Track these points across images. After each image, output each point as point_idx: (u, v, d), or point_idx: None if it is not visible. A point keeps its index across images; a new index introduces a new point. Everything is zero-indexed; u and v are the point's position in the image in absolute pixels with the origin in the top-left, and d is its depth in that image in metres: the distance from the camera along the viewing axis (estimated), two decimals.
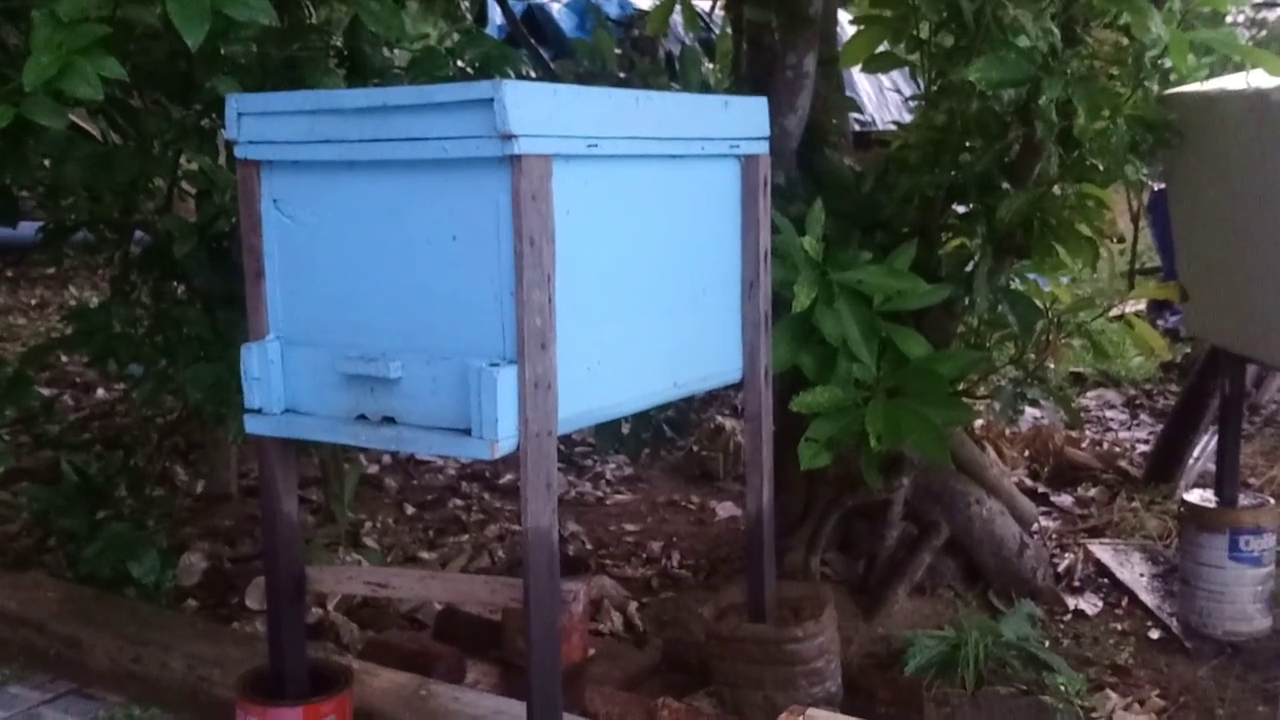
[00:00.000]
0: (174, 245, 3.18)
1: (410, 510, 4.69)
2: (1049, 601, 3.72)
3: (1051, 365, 3.61)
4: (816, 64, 3.43)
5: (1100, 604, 3.78)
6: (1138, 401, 6.37)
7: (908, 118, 3.84)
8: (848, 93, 4.01)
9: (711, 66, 4.51)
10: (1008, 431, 5.06)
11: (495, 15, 7.12)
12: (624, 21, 7.35)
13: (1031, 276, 3.54)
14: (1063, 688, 3.15)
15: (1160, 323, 6.76)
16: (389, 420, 2.14)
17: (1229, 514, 3.52)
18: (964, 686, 3.13)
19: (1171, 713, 3.14)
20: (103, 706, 2.95)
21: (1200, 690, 3.24)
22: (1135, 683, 3.30)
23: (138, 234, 3.60)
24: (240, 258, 2.33)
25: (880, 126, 7.40)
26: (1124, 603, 3.80)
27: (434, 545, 4.32)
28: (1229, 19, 3.81)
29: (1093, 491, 4.79)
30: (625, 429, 3.98)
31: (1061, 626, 3.61)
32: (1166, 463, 4.81)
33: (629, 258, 2.31)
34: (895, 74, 8.22)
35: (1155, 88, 3.21)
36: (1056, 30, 2.91)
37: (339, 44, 3.29)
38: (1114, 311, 3.69)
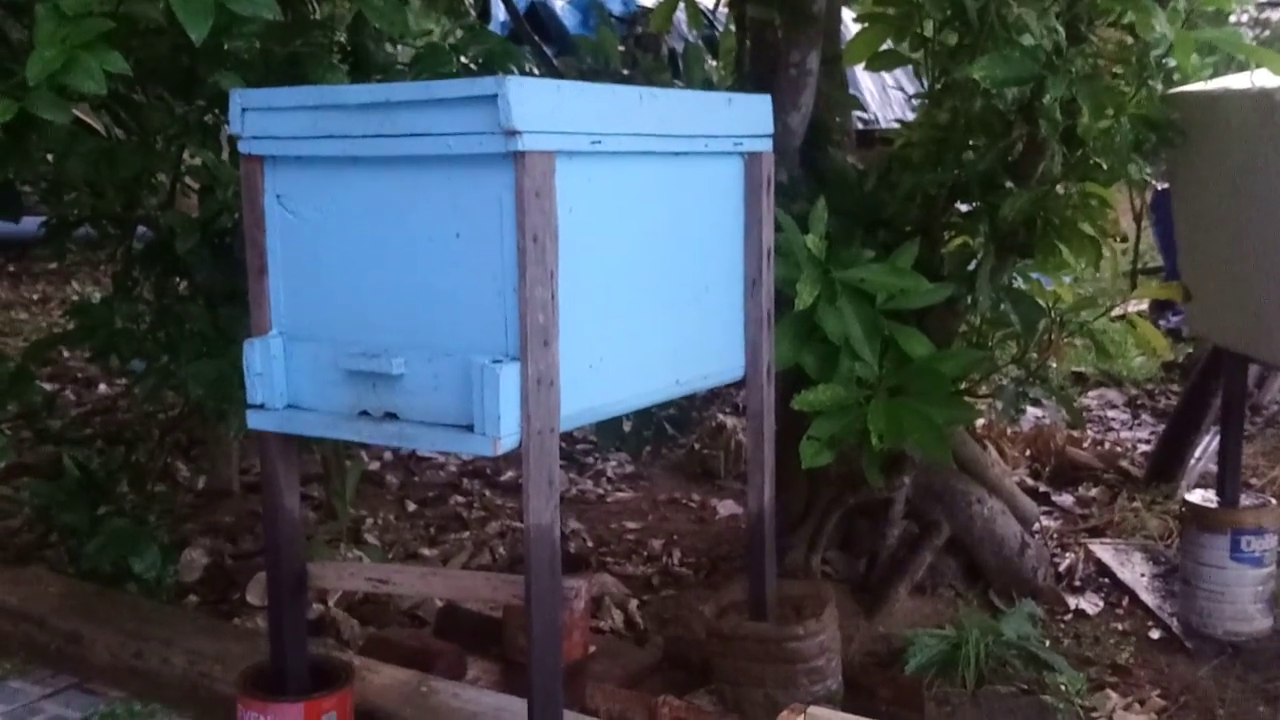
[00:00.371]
0: (176, 241, 3.18)
1: (411, 507, 4.69)
2: (1050, 601, 3.72)
3: (1053, 364, 3.61)
4: (820, 62, 3.43)
5: (1101, 604, 3.78)
6: (1139, 401, 6.37)
7: (911, 116, 3.83)
8: (851, 91, 4.01)
9: (715, 64, 4.52)
10: (1009, 431, 5.06)
11: (499, 12, 7.13)
12: (627, 18, 7.35)
13: (1034, 275, 3.54)
14: (1063, 687, 3.15)
15: (1162, 323, 6.76)
16: (391, 416, 2.14)
17: (1230, 514, 3.52)
18: (964, 685, 3.13)
19: (1172, 712, 3.14)
20: (103, 701, 2.95)
21: (1201, 690, 3.24)
22: (1136, 682, 3.30)
23: (140, 229, 3.59)
24: (243, 253, 2.34)
25: (883, 125, 7.40)
26: (1125, 602, 3.80)
27: (435, 542, 4.32)
28: (1232, 19, 3.81)
29: (1094, 491, 4.79)
30: (627, 426, 3.98)
31: (1062, 626, 3.61)
32: (1168, 463, 4.81)
33: (632, 255, 2.30)
34: (898, 72, 8.22)
35: (1159, 87, 3.20)
36: (1061, 28, 2.90)
37: (342, 40, 3.28)
38: (1116, 311, 3.69)
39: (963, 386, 3.35)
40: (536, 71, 4.12)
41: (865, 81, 8.14)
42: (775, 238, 2.75)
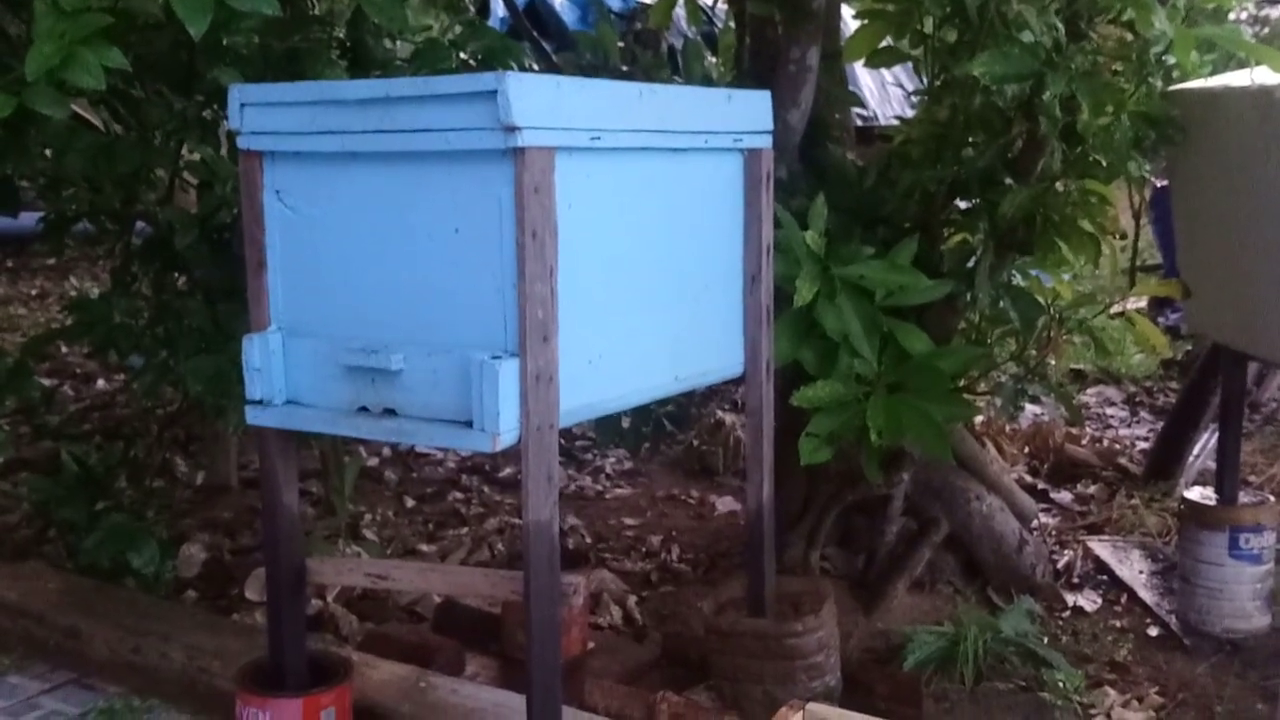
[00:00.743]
0: (175, 236, 3.18)
1: (410, 503, 4.69)
2: (1048, 598, 3.72)
3: (1052, 362, 3.61)
4: (819, 58, 3.42)
5: (1099, 601, 3.78)
6: (1138, 399, 6.37)
7: (910, 113, 3.83)
8: (850, 88, 4.00)
9: (714, 60, 4.51)
10: (1008, 428, 5.06)
11: (498, 8, 7.12)
12: (626, 15, 7.33)
13: (1033, 272, 3.54)
14: (1061, 684, 3.15)
15: (1161, 320, 6.76)
16: (390, 412, 2.14)
17: (1229, 511, 3.52)
18: (963, 682, 3.13)
19: (1170, 710, 3.14)
20: (102, 697, 2.95)
21: (1199, 687, 3.24)
22: (1134, 680, 3.30)
23: (139, 225, 3.59)
24: (242, 249, 2.33)
25: (882, 122, 7.39)
26: (1123, 600, 3.80)
27: (433, 538, 4.32)
28: (1231, 16, 3.81)
29: (1092, 488, 4.80)
30: (625, 423, 3.98)
31: (1060, 623, 3.61)
32: (1166, 460, 4.81)
33: (631, 251, 2.30)
34: (897, 69, 8.21)
35: (1159, 84, 3.20)
36: (1060, 25, 2.90)
37: (341, 35, 3.28)
38: (1115, 308, 3.69)
39: (962, 383, 3.35)
40: (535, 68, 4.12)
41: (864, 78, 8.13)
42: (775, 234, 2.75)
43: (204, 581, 3.75)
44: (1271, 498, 3.70)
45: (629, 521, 4.53)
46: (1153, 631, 3.59)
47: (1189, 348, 6.29)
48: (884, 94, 8.67)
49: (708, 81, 3.85)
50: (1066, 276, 3.70)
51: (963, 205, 3.42)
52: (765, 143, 2.63)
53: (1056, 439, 5.13)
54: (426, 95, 2.03)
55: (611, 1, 7.92)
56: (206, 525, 4.18)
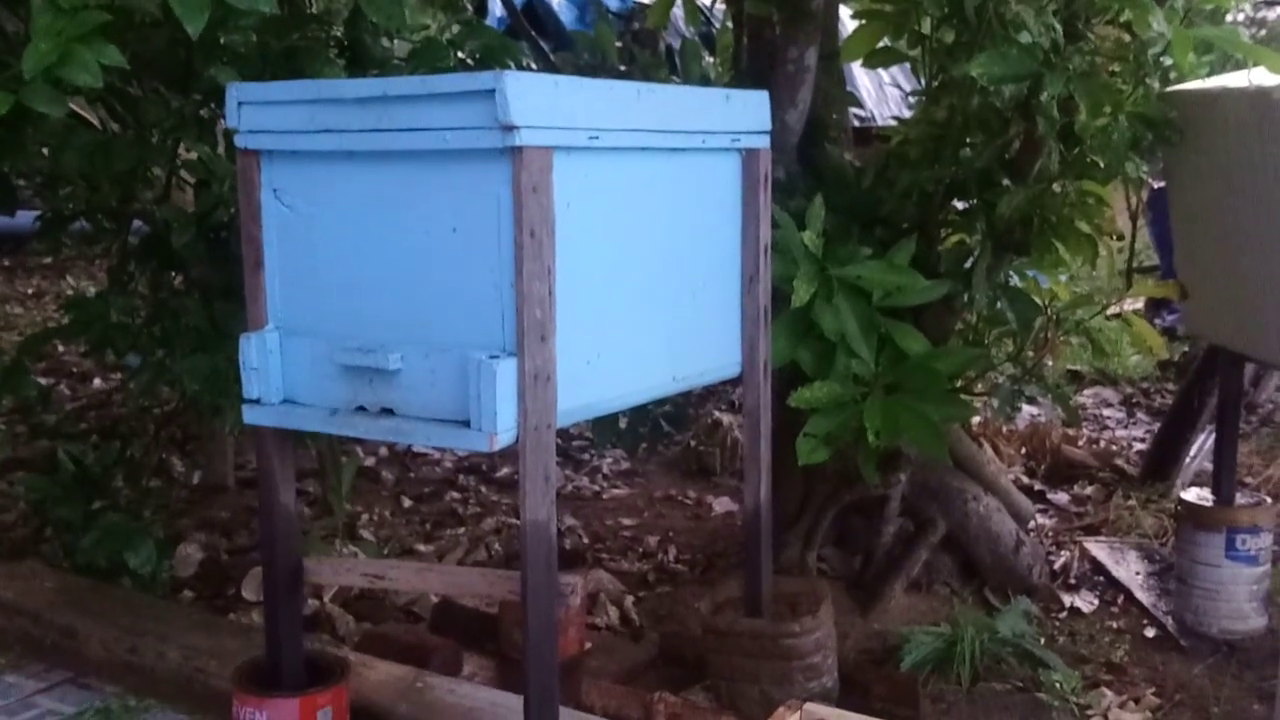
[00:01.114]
0: (172, 235, 3.18)
1: (407, 503, 4.68)
2: (1045, 599, 3.73)
3: (1049, 362, 3.62)
4: (817, 58, 3.42)
5: (1096, 602, 3.78)
6: (1134, 400, 6.38)
7: (907, 113, 3.84)
8: (847, 88, 4.00)
9: (712, 60, 4.51)
10: (1005, 429, 5.06)
11: (495, 7, 7.12)
12: (624, 15, 7.33)
13: (1031, 273, 3.54)
14: (1058, 685, 3.15)
15: (1157, 321, 6.77)
16: (388, 412, 2.14)
17: (1226, 513, 3.53)
18: (959, 683, 3.13)
19: (1166, 710, 3.14)
20: (98, 696, 2.95)
21: (1195, 688, 3.25)
22: (1130, 680, 3.30)
23: (136, 224, 3.59)
24: (239, 248, 2.33)
25: (879, 122, 7.39)
26: (1120, 600, 3.80)
27: (430, 538, 4.32)
28: (1229, 18, 3.81)
29: (1089, 489, 4.80)
30: (623, 423, 3.97)
31: (1057, 624, 3.61)
32: (1163, 461, 4.82)
33: (629, 251, 2.30)
34: (895, 69, 8.21)
35: (1156, 85, 3.20)
36: (1058, 26, 2.90)
37: (339, 34, 3.28)
38: (1112, 309, 3.70)
39: (959, 384, 3.35)
40: (533, 67, 4.11)
41: (862, 79, 8.13)
42: (772, 234, 2.75)
43: (201, 581, 3.74)
44: (1268, 499, 3.70)
45: (626, 522, 4.53)
46: (1149, 632, 3.59)
47: (1186, 349, 6.30)
48: (881, 95, 8.68)
49: (705, 82, 3.85)
50: (1063, 277, 3.70)
51: (960, 206, 3.42)
52: (763, 143, 2.63)
53: (1053, 440, 5.13)
54: (424, 94, 2.03)
55: (609, 1, 7.92)
56: (203, 525, 4.18)
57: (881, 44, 3.39)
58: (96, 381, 6.13)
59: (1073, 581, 3.91)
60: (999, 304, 3.38)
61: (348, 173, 2.16)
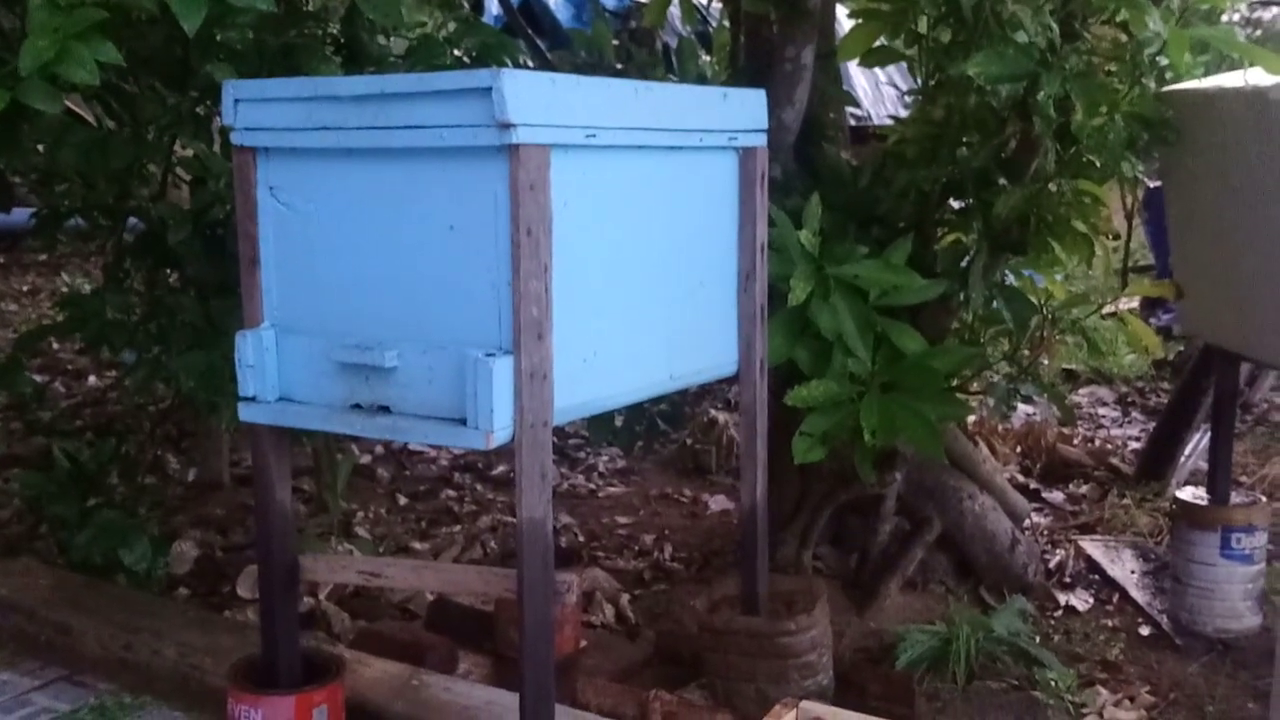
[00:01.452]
0: (168, 232, 3.17)
1: (403, 501, 4.68)
2: (1040, 597, 3.73)
3: (1045, 362, 3.62)
4: (814, 57, 3.42)
5: (1091, 600, 3.79)
6: (1129, 399, 6.39)
7: (904, 112, 3.84)
8: (844, 87, 4.00)
9: (708, 59, 4.51)
10: (1000, 427, 5.07)
11: (492, 5, 7.10)
12: (621, 13, 7.32)
13: (1027, 273, 3.55)
14: (1053, 683, 3.15)
15: (1153, 321, 6.77)
16: (384, 409, 2.14)
17: (1221, 511, 3.53)
18: (955, 681, 3.13)
19: (1161, 709, 3.15)
20: (93, 693, 2.94)
21: (1190, 687, 3.25)
22: (1125, 679, 3.30)
23: (131, 221, 3.58)
24: (235, 245, 2.33)
25: (876, 122, 7.39)
26: (1115, 599, 3.81)
27: (426, 536, 4.32)
28: (1224, 18, 3.81)
29: (1084, 488, 4.81)
30: (619, 421, 3.97)
31: (1052, 622, 3.62)
32: (1158, 460, 4.82)
33: (626, 249, 2.30)
34: (891, 69, 8.21)
35: (1153, 85, 3.21)
36: (1055, 26, 2.90)
37: (336, 32, 3.27)
38: (1107, 309, 3.70)
39: (955, 383, 3.35)
40: (530, 65, 4.11)
41: (858, 78, 8.14)
42: (769, 233, 2.75)
43: (196, 578, 3.74)
44: (1263, 498, 3.70)
45: (622, 520, 4.53)
46: (1144, 631, 3.59)
47: (1181, 348, 6.31)
48: (878, 94, 8.68)
49: (702, 80, 3.85)
50: (1059, 277, 3.70)
51: (957, 205, 3.42)
52: (760, 141, 2.63)
53: (1049, 439, 5.14)
54: (422, 92, 2.03)
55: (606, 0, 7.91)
56: (198, 522, 4.17)
57: (878, 43, 3.39)
58: (92, 378, 6.12)
59: (1068, 580, 3.92)
60: (995, 303, 3.38)
61: (344, 170, 2.16)
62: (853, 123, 4.22)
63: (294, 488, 2.51)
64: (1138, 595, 3.79)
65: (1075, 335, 3.51)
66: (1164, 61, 3.07)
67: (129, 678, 2.96)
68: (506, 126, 1.93)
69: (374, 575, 2.51)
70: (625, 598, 3.70)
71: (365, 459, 5.06)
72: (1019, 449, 5.13)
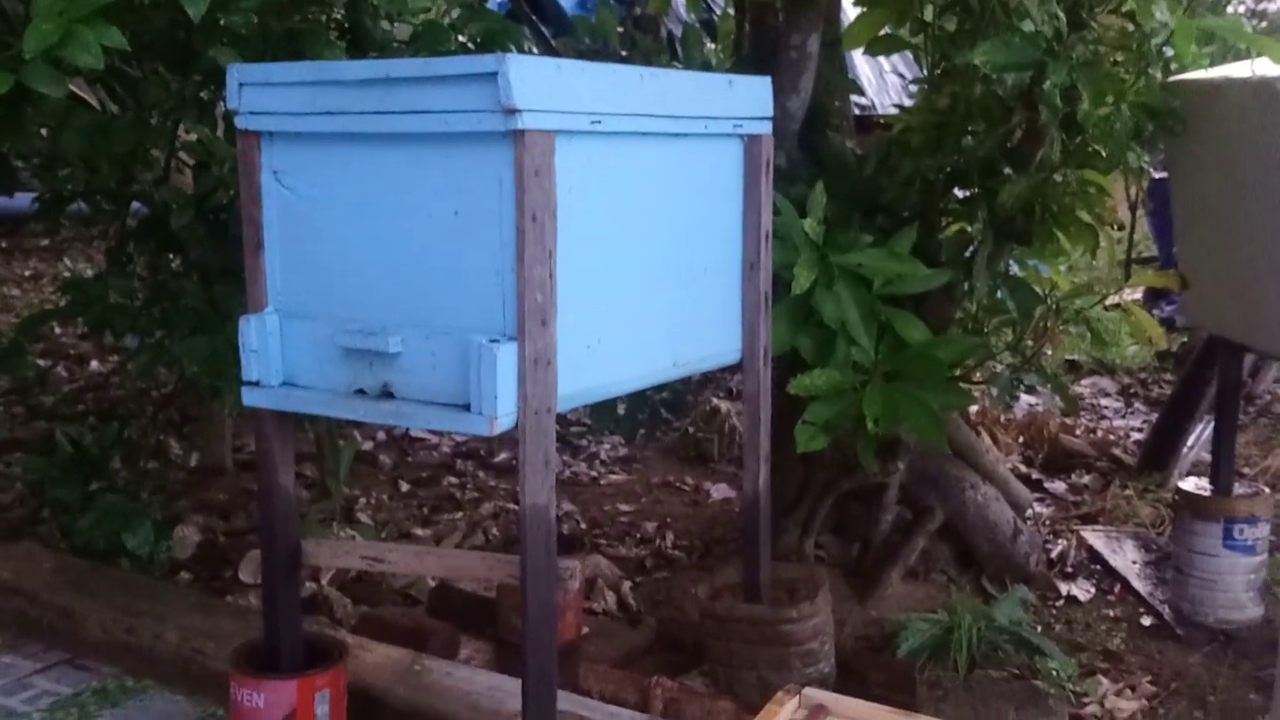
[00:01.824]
0: (171, 217, 3.17)
1: (405, 487, 4.68)
2: (1042, 587, 3.73)
3: (1048, 352, 3.62)
4: (819, 45, 3.41)
5: (1093, 590, 3.79)
6: (1132, 390, 6.38)
7: (909, 101, 3.83)
8: (849, 75, 3.99)
9: (713, 47, 4.50)
10: (1003, 417, 5.06)
11: None
12: (626, 0, 7.31)
13: (1031, 262, 3.54)
14: (1055, 673, 3.16)
15: (1156, 312, 6.77)
16: (388, 395, 2.13)
17: (1224, 502, 3.53)
18: (956, 670, 3.14)
19: (1163, 699, 3.15)
20: (95, 677, 2.95)
21: (1192, 677, 3.26)
22: (1127, 669, 3.31)
23: (135, 205, 3.58)
24: (239, 229, 2.32)
25: (880, 110, 7.37)
26: (1116, 589, 3.81)
27: (428, 522, 4.32)
28: (1231, 8, 3.80)
29: (1086, 478, 4.81)
30: (621, 409, 3.98)
31: (1054, 612, 3.62)
32: (1160, 451, 4.82)
33: (630, 236, 2.30)
34: (896, 57, 8.17)
35: (1159, 74, 3.19)
36: (1062, 15, 2.89)
37: (340, 16, 3.27)
38: (1111, 299, 3.69)
39: (958, 372, 3.35)
40: (535, 51, 4.10)
41: (863, 66, 8.11)
42: (773, 221, 2.74)
43: (198, 563, 3.75)
44: (1266, 489, 3.70)
45: (624, 507, 4.54)
46: (1146, 621, 3.60)
47: (1184, 339, 6.30)
48: (882, 82, 8.66)
49: (707, 68, 3.84)
50: (1063, 267, 3.70)
51: (961, 194, 3.41)
52: (765, 129, 2.62)
53: (1051, 429, 5.14)
54: (427, 76, 2.02)
55: None
56: (201, 507, 4.18)
57: (883, 31, 3.37)
58: (94, 363, 6.12)
59: (1070, 570, 3.92)
60: (999, 293, 3.38)
61: (349, 155, 2.16)
62: (857, 111, 4.21)
63: (297, 473, 2.52)
64: (1139, 585, 3.80)
65: (1079, 326, 3.50)
66: (1170, 51, 3.05)
67: (131, 661, 2.97)
68: (512, 112, 1.92)
69: (376, 560, 2.51)
70: (627, 585, 3.70)
71: (367, 445, 5.06)
72: (1021, 439, 5.13)
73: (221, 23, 2.85)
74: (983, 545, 3.74)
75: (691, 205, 2.48)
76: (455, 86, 1.98)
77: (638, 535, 4.24)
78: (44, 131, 3.17)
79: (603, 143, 2.17)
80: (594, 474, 4.97)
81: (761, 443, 2.73)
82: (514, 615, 2.70)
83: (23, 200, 3.76)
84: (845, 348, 3.03)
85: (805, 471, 3.68)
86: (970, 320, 3.56)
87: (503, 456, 4.98)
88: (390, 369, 2.12)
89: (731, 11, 4.08)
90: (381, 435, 5.24)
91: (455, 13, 3.35)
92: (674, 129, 2.37)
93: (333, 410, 2.24)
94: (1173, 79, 3.30)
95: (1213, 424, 3.92)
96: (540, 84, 1.97)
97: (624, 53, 3.85)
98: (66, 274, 8.51)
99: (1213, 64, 3.39)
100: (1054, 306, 3.43)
